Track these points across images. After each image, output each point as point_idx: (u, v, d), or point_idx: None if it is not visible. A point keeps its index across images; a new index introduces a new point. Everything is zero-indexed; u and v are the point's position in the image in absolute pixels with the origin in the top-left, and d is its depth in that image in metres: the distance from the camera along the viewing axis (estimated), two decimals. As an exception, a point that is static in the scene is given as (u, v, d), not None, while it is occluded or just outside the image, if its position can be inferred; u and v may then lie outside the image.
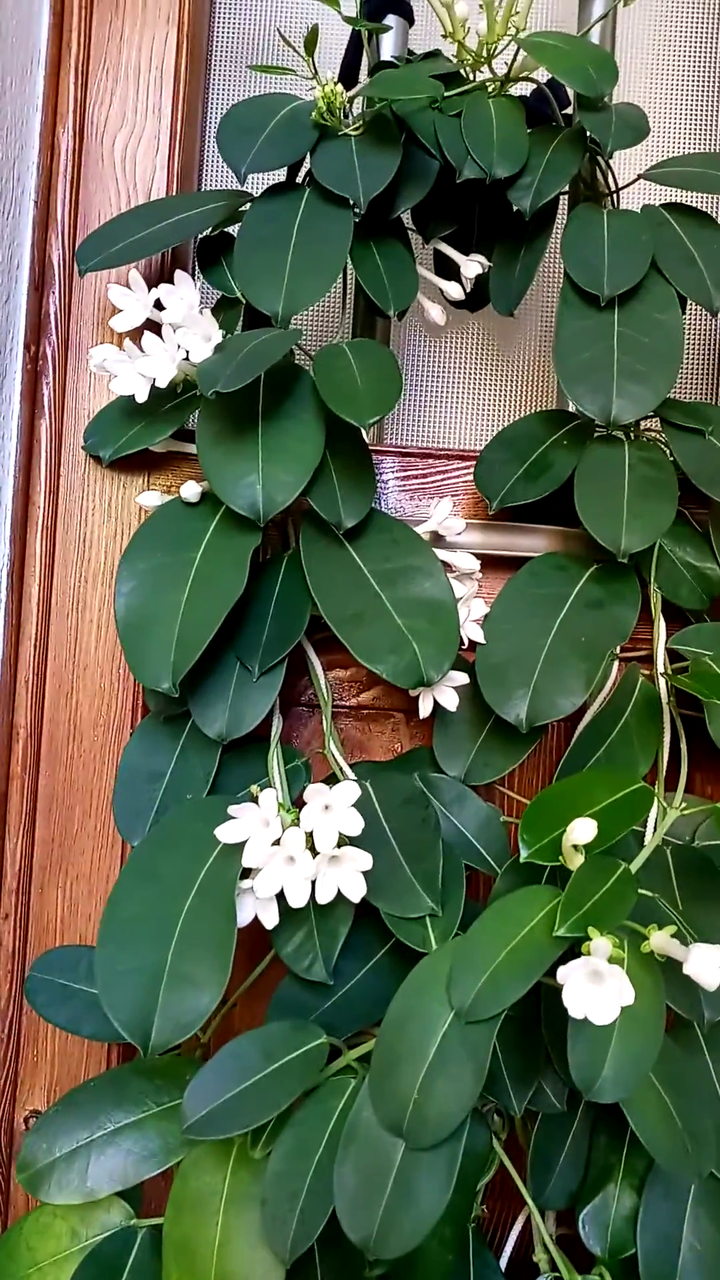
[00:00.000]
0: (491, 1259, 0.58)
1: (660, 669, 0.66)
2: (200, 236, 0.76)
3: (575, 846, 0.48)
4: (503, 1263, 0.61)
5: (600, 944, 0.43)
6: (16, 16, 0.74)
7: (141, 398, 0.62)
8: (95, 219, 0.78)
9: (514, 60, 0.74)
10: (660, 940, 0.46)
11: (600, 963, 0.42)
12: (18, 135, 0.75)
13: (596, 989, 0.42)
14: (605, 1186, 0.56)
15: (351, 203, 0.66)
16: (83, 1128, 0.55)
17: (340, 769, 0.67)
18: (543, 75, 0.75)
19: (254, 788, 0.60)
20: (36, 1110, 0.80)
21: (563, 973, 0.42)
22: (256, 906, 0.55)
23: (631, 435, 0.71)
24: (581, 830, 0.47)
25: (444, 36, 0.74)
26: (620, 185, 0.78)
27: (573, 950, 0.47)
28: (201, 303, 0.85)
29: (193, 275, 0.80)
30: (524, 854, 0.49)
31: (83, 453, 0.77)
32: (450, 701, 0.65)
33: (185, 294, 0.61)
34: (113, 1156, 0.54)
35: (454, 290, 0.77)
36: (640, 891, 0.50)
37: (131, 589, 0.61)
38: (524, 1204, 0.61)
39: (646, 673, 0.68)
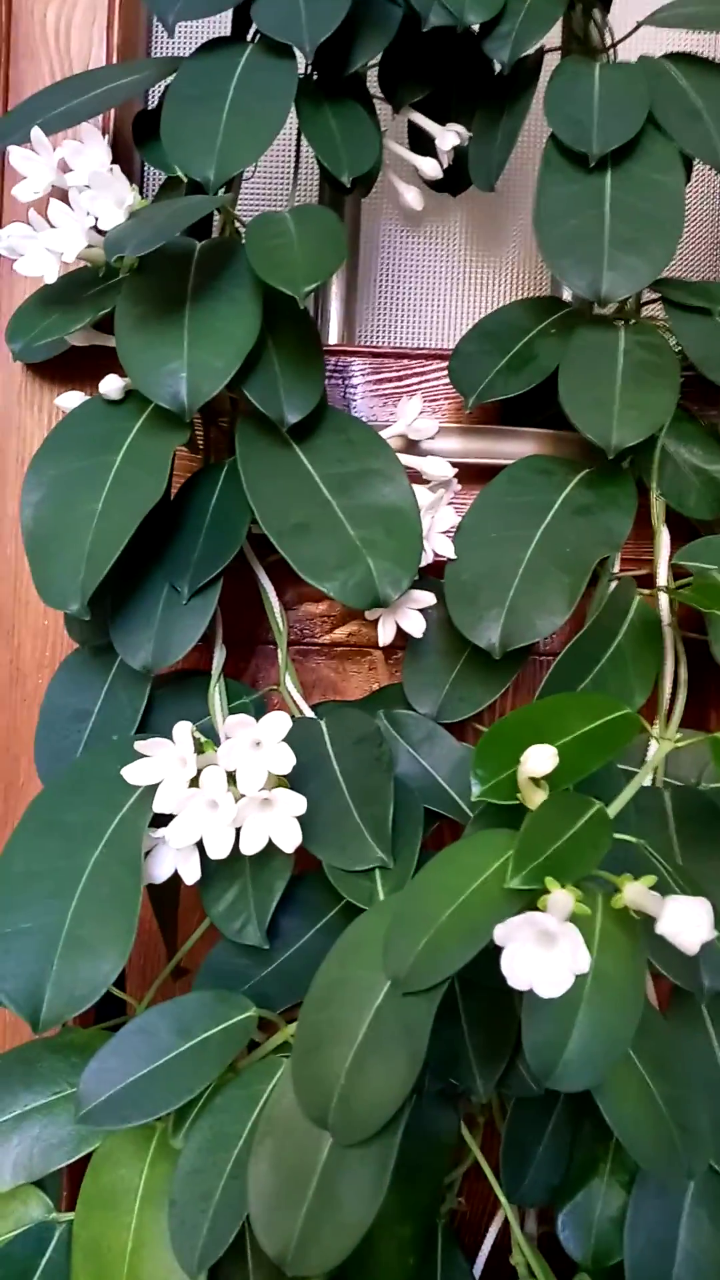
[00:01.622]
0: (463, 1262, 0.50)
1: (662, 584, 0.57)
2: (139, 112, 0.68)
3: (534, 780, 0.40)
4: (479, 1265, 0.53)
5: (559, 898, 0.35)
6: None
7: (50, 278, 0.54)
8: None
9: None
10: (635, 893, 0.38)
11: (549, 920, 0.33)
12: (-66, 5, 0.67)
13: (546, 953, 0.34)
14: (589, 1182, 0.48)
15: (300, 55, 0.57)
16: (-16, 1111, 0.48)
17: (296, 706, 0.59)
18: None
19: (187, 724, 0.52)
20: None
21: (501, 932, 0.34)
22: (176, 860, 0.47)
23: (629, 320, 0.62)
24: (537, 759, 0.38)
25: None
26: (617, 39, 0.68)
27: (534, 905, 0.38)
28: (145, 186, 0.77)
29: (134, 162, 0.71)
30: (475, 791, 0.41)
31: (16, 364, 0.69)
32: (415, 626, 0.56)
33: (93, 151, 0.52)
34: (17, 1145, 0.47)
35: (430, 167, 0.68)
36: (621, 837, 0.41)
37: (40, 499, 0.53)
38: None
39: (646, 592, 0.59)
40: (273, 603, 0.61)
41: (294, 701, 0.59)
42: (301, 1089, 0.39)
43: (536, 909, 0.37)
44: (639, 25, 0.66)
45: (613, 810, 0.42)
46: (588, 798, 0.40)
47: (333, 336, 0.72)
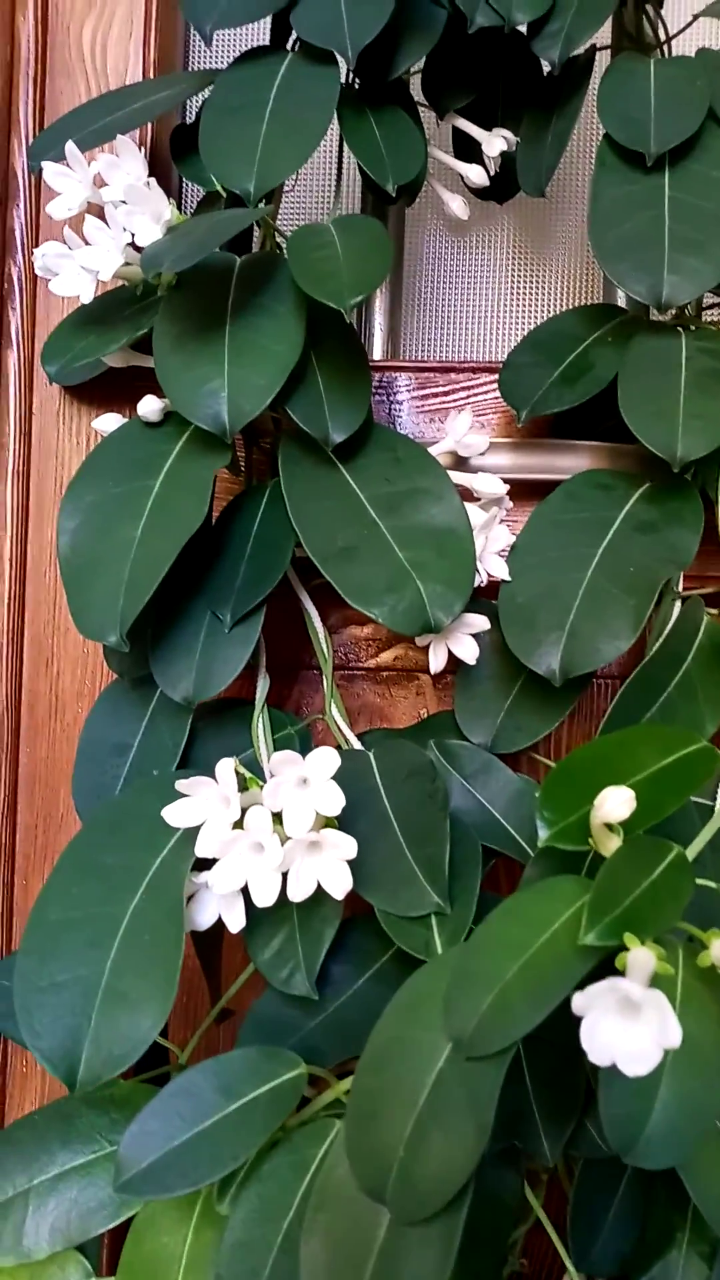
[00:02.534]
0: (529, 1334, 0.47)
1: (732, 606, 0.53)
2: (176, 126, 0.66)
3: (609, 825, 0.36)
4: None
5: (640, 957, 0.32)
6: None
7: (86, 297, 0.52)
8: (63, 119, 0.68)
9: None
10: (723, 951, 0.34)
11: (634, 988, 0.30)
12: (-31, 25, 0.66)
13: (630, 1024, 0.30)
14: (666, 1253, 0.44)
15: (344, 66, 0.55)
16: (21, 1171, 0.45)
17: (343, 736, 0.56)
18: None
19: (233, 759, 0.50)
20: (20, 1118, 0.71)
21: (579, 1001, 0.31)
22: (220, 906, 0.44)
23: (690, 326, 0.59)
24: (614, 803, 0.35)
25: None
26: (672, 34, 0.65)
27: (609, 963, 0.35)
28: (183, 203, 0.75)
29: (172, 177, 0.69)
30: (543, 836, 0.37)
31: (53, 386, 0.67)
32: (468, 653, 0.53)
33: (128, 165, 0.50)
34: (55, 1208, 0.44)
35: (477, 175, 0.66)
36: (703, 883, 0.38)
37: (77, 525, 0.51)
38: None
39: (714, 612, 0.56)
40: (317, 627, 0.58)
41: (340, 731, 0.56)
42: (357, 1160, 0.36)
43: (614, 967, 0.34)
44: (695, 18, 0.63)
45: (691, 852, 0.39)
46: (665, 841, 0.37)
47: (377, 351, 0.70)
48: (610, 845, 0.36)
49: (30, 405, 0.69)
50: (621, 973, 0.33)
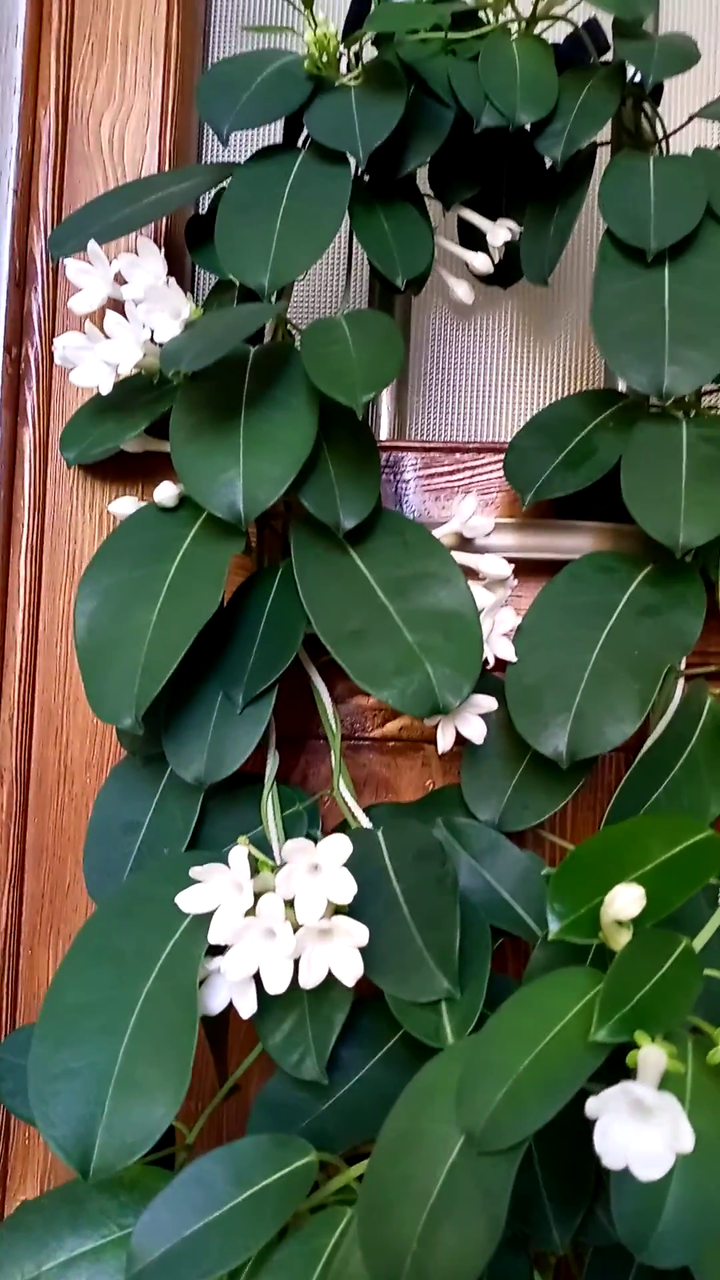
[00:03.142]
0: None
1: (733, 688, 0.54)
2: (191, 216, 0.68)
3: (619, 921, 0.37)
4: None
5: (651, 1056, 0.32)
6: (-14, -13, 0.67)
7: (105, 388, 0.54)
8: (81, 206, 0.71)
9: (539, -4, 0.65)
10: (733, 1050, 0.35)
11: (646, 1091, 0.31)
12: (-7, 119, 0.69)
13: (642, 1127, 0.31)
14: (679, 1348, 0.44)
15: (354, 163, 0.57)
16: (29, 1258, 0.45)
17: (351, 814, 0.57)
18: (577, 17, 0.66)
19: (242, 839, 0.50)
20: (28, 1201, 0.71)
21: (593, 1105, 0.31)
22: (232, 991, 0.45)
23: (690, 412, 0.60)
24: (624, 901, 0.36)
25: (458, -25, 0.65)
26: (670, 131, 0.67)
27: (619, 1055, 0.36)
28: (197, 293, 0.78)
29: (185, 263, 0.72)
30: (554, 929, 0.38)
31: (70, 463, 0.69)
32: (476, 733, 0.54)
33: (148, 264, 0.53)
34: (64, 1296, 0.44)
35: (481, 262, 0.68)
36: (710, 974, 0.39)
37: (93, 609, 0.52)
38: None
39: (718, 692, 0.57)
40: (326, 703, 0.59)
41: (349, 809, 0.57)
42: (370, 1253, 0.37)
43: (625, 1059, 0.34)
44: (691, 118, 0.65)
45: (699, 942, 0.39)
46: (673, 935, 0.37)
47: (384, 430, 0.72)
48: (620, 940, 0.37)
49: (45, 480, 0.71)
50: (632, 1070, 0.33)
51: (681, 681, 0.58)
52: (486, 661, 0.54)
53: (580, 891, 0.38)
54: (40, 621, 0.71)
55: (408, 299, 0.75)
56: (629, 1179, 0.33)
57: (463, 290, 0.69)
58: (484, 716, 0.55)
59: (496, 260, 0.68)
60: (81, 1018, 0.44)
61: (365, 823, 0.56)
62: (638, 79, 0.62)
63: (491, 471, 0.67)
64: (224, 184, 0.61)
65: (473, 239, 0.69)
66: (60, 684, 0.71)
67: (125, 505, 0.57)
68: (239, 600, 0.57)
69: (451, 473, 0.67)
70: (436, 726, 0.56)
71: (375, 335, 0.52)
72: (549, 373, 0.78)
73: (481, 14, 0.66)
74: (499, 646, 0.55)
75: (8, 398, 0.69)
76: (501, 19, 0.65)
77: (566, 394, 0.77)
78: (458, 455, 0.67)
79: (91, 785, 0.70)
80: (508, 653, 0.55)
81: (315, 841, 0.55)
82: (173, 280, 0.52)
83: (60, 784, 0.70)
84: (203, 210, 0.69)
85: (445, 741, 0.54)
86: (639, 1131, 0.31)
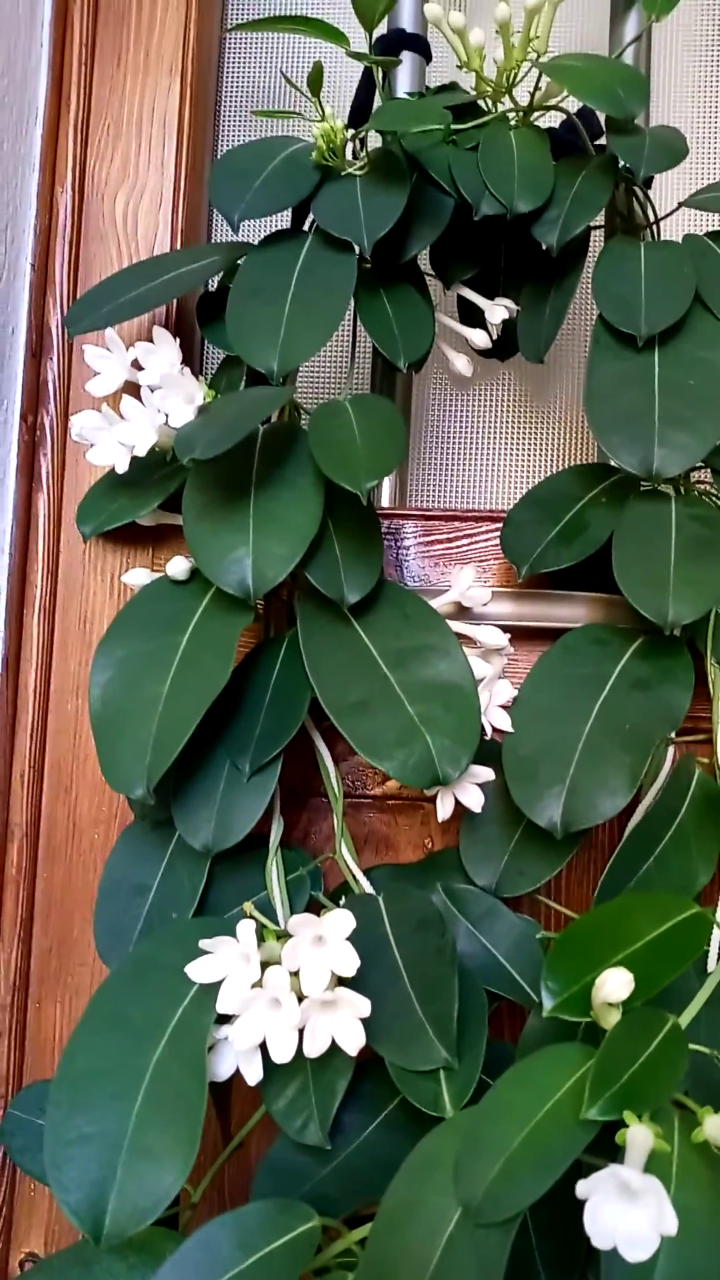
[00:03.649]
0: None
1: (721, 759, 0.56)
2: (201, 294, 0.71)
3: (609, 1003, 0.39)
4: None
5: (638, 1136, 0.34)
6: (9, 75, 0.70)
7: (121, 468, 0.56)
8: (96, 281, 0.73)
9: (536, 88, 0.68)
10: (716, 1129, 0.37)
11: (632, 1175, 0.33)
12: (13, 196, 0.72)
13: (629, 1208, 0.33)
14: None
15: (358, 248, 0.60)
16: (40, 1318, 0.47)
17: (353, 877, 0.59)
18: (572, 104, 0.69)
19: (247, 905, 0.52)
20: (33, 1253, 0.72)
21: (583, 1188, 0.33)
22: (238, 1059, 0.47)
23: (680, 490, 0.63)
24: (613, 985, 0.38)
25: (459, 67, 0.69)
26: (660, 216, 0.70)
27: (611, 1128, 0.37)
28: (205, 363, 0.80)
29: (195, 334, 0.74)
30: (548, 1006, 0.40)
31: (82, 527, 0.71)
32: (474, 801, 0.56)
33: (164, 352, 0.55)
34: None
35: (480, 339, 0.71)
36: (695, 1048, 0.40)
37: (107, 680, 0.54)
38: None
39: (705, 761, 0.59)
40: (329, 767, 0.61)
41: (351, 873, 0.59)
42: (370, 1322, 0.38)
43: (615, 1134, 0.36)
44: (680, 205, 0.68)
45: (685, 1018, 0.41)
46: (660, 1014, 0.39)
47: (385, 498, 0.74)
48: (610, 1019, 0.39)
49: (58, 544, 0.73)
50: (621, 1148, 0.35)
51: (671, 750, 0.60)
52: (484, 731, 0.56)
53: (573, 970, 0.40)
54: (52, 680, 0.73)
55: (410, 373, 0.78)
56: (618, 1257, 0.34)
57: (462, 364, 0.71)
58: (481, 785, 0.57)
59: (494, 336, 0.71)
60: (94, 1084, 0.45)
61: (366, 886, 0.58)
62: (629, 167, 0.65)
63: (488, 539, 0.69)
64: (234, 262, 0.64)
65: (472, 315, 0.72)
66: (71, 742, 0.73)
67: (138, 576, 0.59)
68: (246, 669, 0.59)
69: (450, 540, 0.70)
70: (436, 798, 0.58)
71: (379, 422, 0.54)
72: (544, 442, 0.80)
73: (481, 103, 0.69)
74: (496, 718, 0.57)
75: (23, 464, 0.72)
76: (500, 108, 0.68)
77: (561, 463, 0.80)
78: (456, 523, 0.70)
79: (100, 841, 0.72)
80: (504, 723, 0.57)
81: (319, 904, 0.57)
82: (187, 370, 0.55)
83: (69, 840, 0.72)
84: (214, 287, 0.72)
85: (445, 810, 0.56)
86: (626, 1213, 0.33)
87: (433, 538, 0.69)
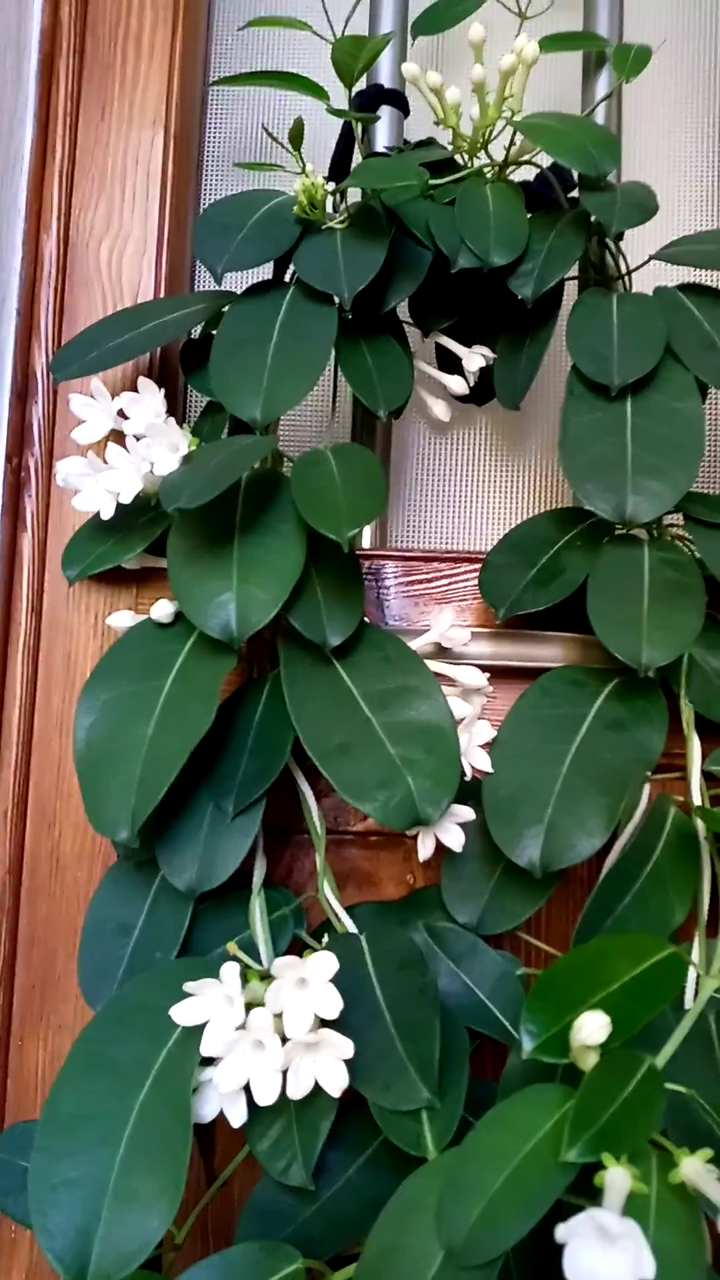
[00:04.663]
0: None
1: (695, 799, 0.58)
2: (185, 341, 0.73)
3: (586, 1046, 0.40)
4: None
5: (616, 1178, 0.35)
6: (-5, 127, 0.72)
7: (107, 514, 0.57)
8: (80, 326, 0.75)
9: (511, 143, 0.70)
10: (692, 1170, 0.37)
11: (610, 1219, 0.33)
12: (-1, 244, 0.73)
13: (608, 1251, 0.34)
14: None
15: (338, 300, 0.62)
16: None
17: (336, 917, 0.59)
18: (545, 160, 0.71)
19: (231, 945, 0.53)
20: (18, 1301, 0.71)
21: (562, 1232, 0.34)
22: (222, 1101, 0.47)
23: (653, 533, 0.65)
24: (591, 1029, 0.39)
25: (436, 124, 0.71)
26: (632, 268, 0.72)
27: (590, 1171, 0.38)
28: (188, 408, 0.82)
29: (178, 380, 0.76)
30: (527, 1048, 0.41)
31: (65, 567, 0.72)
32: (455, 841, 0.57)
33: (149, 402, 0.56)
34: None
35: (458, 385, 0.72)
36: (672, 1088, 0.41)
37: (92, 723, 0.55)
38: None
39: (681, 798, 0.60)
40: (311, 806, 0.62)
41: (333, 912, 0.59)
42: None
43: (593, 1175, 0.37)
44: (650, 259, 0.70)
45: (662, 1058, 0.42)
46: (637, 1056, 0.40)
47: (366, 539, 0.76)
48: (588, 1061, 0.40)
49: (42, 584, 0.74)
50: (600, 1188, 0.36)
51: (647, 789, 0.61)
52: (464, 772, 0.57)
53: (552, 1012, 0.41)
54: (35, 718, 0.73)
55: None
56: (597, 1293, 0.35)
57: (440, 409, 0.73)
58: (461, 825, 0.58)
59: (471, 383, 0.72)
60: (78, 1128, 0.46)
61: (349, 924, 0.58)
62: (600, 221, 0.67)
63: (467, 579, 0.70)
64: (218, 311, 0.65)
65: (450, 362, 0.73)
66: (54, 779, 0.73)
67: (123, 619, 0.60)
68: (230, 711, 0.60)
69: (430, 580, 0.71)
70: (417, 838, 0.59)
71: (360, 471, 0.56)
72: (521, 483, 0.82)
73: (458, 158, 0.71)
74: (476, 758, 0.58)
75: (8, 505, 0.73)
76: (476, 163, 0.70)
77: (538, 504, 0.82)
78: (436, 564, 0.71)
79: (84, 878, 0.72)
80: (484, 764, 0.58)
81: (302, 943, 0.58)
82: (172, 420, 0.56)
83: (52, 876, 0.73)
84: (196, 333, 0.73)
85: (426, 849, 0.57)
86: (605, 1256, 0.34)
87: (413, 577, 0.71)
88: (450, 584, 0.71)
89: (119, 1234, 0.43)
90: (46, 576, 0.74)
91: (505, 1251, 0.37)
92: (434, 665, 0.61)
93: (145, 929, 0.57)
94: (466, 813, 0.57)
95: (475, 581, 0.68)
